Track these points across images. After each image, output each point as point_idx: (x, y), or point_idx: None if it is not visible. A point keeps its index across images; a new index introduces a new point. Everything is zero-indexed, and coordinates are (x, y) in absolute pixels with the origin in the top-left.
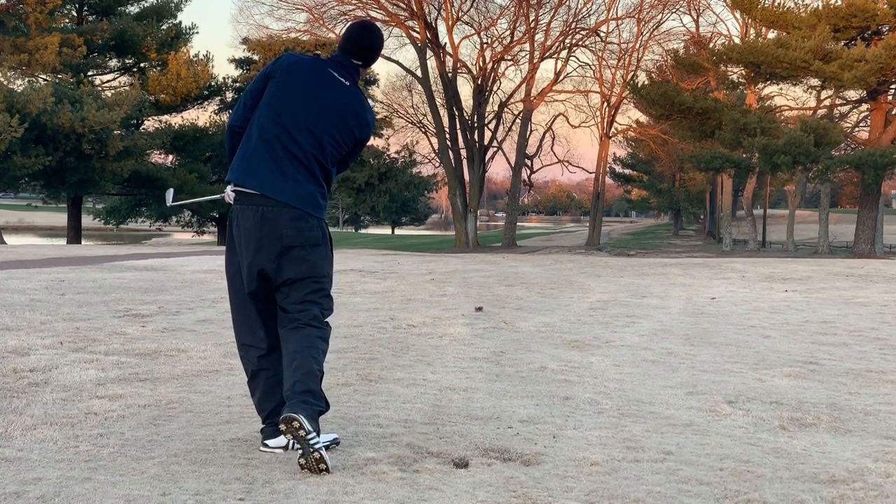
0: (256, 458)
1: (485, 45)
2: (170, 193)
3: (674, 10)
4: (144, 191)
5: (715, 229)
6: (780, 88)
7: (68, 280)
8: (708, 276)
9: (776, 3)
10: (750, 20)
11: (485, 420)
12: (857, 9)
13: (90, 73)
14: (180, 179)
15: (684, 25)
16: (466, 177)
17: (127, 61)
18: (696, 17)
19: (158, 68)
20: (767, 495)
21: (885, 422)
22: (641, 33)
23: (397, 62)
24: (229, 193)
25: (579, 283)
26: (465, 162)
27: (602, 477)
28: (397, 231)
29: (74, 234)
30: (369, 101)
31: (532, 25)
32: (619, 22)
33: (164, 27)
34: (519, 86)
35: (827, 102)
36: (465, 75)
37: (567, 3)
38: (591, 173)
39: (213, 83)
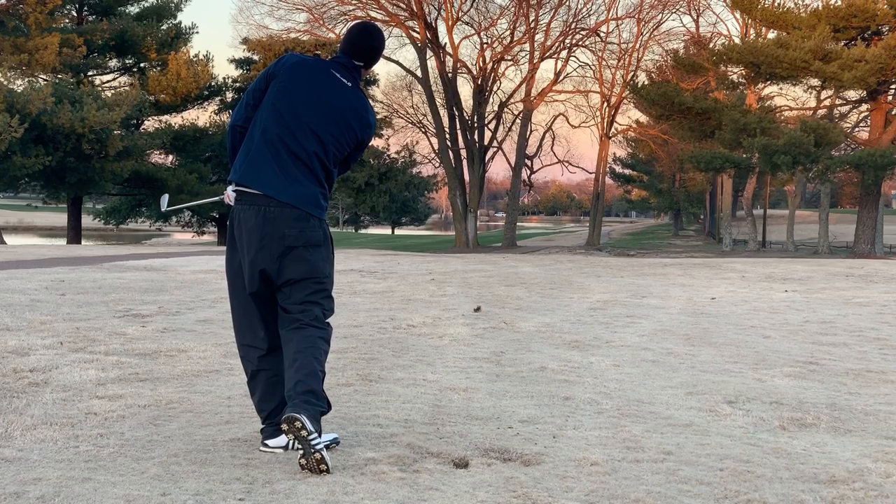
0: (256, 458)
1: (485, 45)
2: (164, 199)
3: (674, 11)
4: (144, 191)
5: (715, 229)
6: (780, 88)
7: (68, 280)
8: (708, 277)
9: (776, 3)
10: (750, 20)
11: (485, 420)
12: (857, 9)
13: (90, 74)
14: (180, 179)
15: (684, 25)
16: (466, 177)
17: (127, 61)
18: (696, 17)
19: (158, 68)
20: (767, 495)
21: (885, 422)
22: (641, 33)
23: (397, 62)
24: (230, 194)
25: (579, 283)
26: (465, 162)
27: (602, 477)
28: (397, 231)
29: (74, 234)
30: (369, 101)
31: (532, 25)
32: (619, 22)
33: (164, 27)
34: (519, 86)
35: (827, 102)
36: (465, 75)
37: (567, 3)
38: (591, 173)
39: (213, 83)
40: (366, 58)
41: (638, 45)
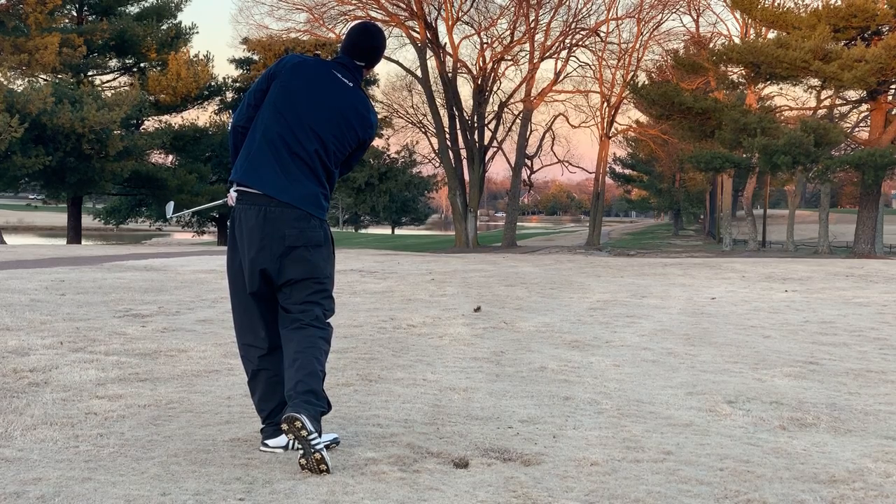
0: (256, 458)
1: (485, 45)
2: (170, 206)
3: (674, 11)
4: (144, 191)
5: (715, 229)
6: (780, 88)
7: (68, 280)
8: (708, 276)
9: (776, 3)
10: (750, 20)
11: (485, 420)
12: (857, 9)
13: (90, 73)
14: (180, 179)
15: (684, 25)
16: (466, 177)
17: (127, 61)
18: (696, 17)
19: (158, 68)
20: (767, 495)
21: (885, 422)
22: (641, 33)
23: (397, 62)
24: (232, 195)
25: (579, 283)
26: (465, 162)
27: (602, 477)
28: (397, 231)
29: (74, 234)
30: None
31: (532, 25)
32: (619, 22)
33: (164, 27)
34: (519, 86)
35: (827, 102)
36: (465, 75)
37: (567, 3)
38: (591, 173)
39: (213, 83)
40: (367, 58)
41: (638, 45)
